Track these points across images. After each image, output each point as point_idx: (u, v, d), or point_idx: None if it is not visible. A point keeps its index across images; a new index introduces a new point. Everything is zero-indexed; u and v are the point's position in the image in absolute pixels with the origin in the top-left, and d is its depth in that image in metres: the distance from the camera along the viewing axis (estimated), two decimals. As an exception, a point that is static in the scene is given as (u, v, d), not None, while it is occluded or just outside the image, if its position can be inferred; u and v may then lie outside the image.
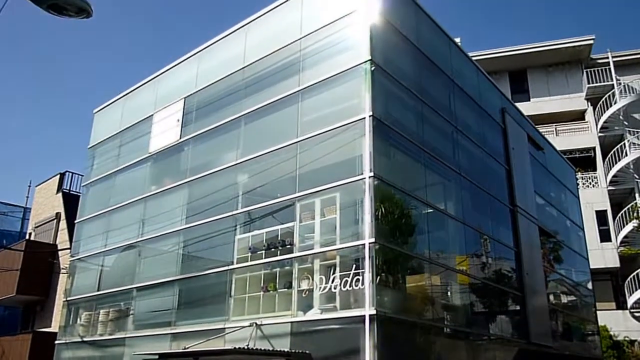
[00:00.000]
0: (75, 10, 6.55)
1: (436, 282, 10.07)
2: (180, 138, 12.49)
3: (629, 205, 25.57)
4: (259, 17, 11.60)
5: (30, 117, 72.08)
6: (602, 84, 27.89)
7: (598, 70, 28.18)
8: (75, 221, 15.31)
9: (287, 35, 10.70)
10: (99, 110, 16.05)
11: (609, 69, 27.85)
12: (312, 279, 8.74)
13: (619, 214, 25.72)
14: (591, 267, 18.43)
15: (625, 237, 25.23)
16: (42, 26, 76.31)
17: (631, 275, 24.64)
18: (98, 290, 13.35)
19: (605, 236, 25.64)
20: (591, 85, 28.06)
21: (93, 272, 13.92)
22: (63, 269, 19.02)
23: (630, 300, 24.43)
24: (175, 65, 13.54)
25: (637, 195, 25.76)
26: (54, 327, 17.92)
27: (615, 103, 26.93)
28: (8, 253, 20.94)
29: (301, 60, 10.35)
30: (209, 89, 12.29)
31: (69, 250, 16.88)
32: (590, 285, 18.09)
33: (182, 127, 12.57)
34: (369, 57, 9.03)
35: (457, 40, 14.58)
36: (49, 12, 6.52)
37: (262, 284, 9.52)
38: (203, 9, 76.94)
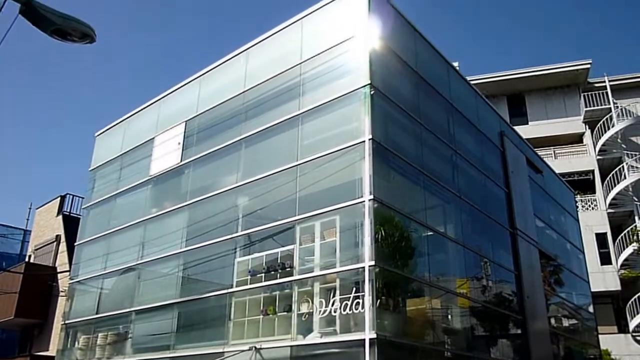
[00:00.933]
0: (79, 35, 6.65)
1: (437, 305, 10.03)
2: (181, 161, 12.56)
3: (629, 228, 25.55)
4: (260, 41, 11.75)
5: (32, 141, 72.33)
6: (600, 107, 28.10)
7: (595, 94, 28.41)
8: (75, 243, 15.30)
9: (288, 60, 10.84)
10: (100, 133, 16.16)
11: (606, 92, 28.07)
12: (312, 302, 8.71)
13: (619, 237, 25.69)
14: (592, 290, 18.35)
15: (626, 259, 25.16)
16: (43, 49, 77.07)
17: (633, 299, 24.50)
18: (97, 314, 13.28)
19: (605, 259, 25.56)
20: (589, 108, 28.26)
21: (92, 295, 13.87)
22: (62, 291, 18.93)
23: (632, 324, 24.26)
24: (177, 89, 13.67)
25: (636, 217, 25.77)
26: (52, 351, 17.76)
27: (612, 126, 27.10)
28: (7, 275, 20.86)
29: (301, 84, 10.46)
30: (209, 112, 12.39)
31: (68, 273, 16.82)
32: (591, 309, 18.00)
33: (182, 150, 12.64)
34: (369, 81, 9.12)
35: (456, 64, 14.75)
36: (53, 37, 6.63)
37: (261, 307, 9.48)
38: (205, 35, 77.79)
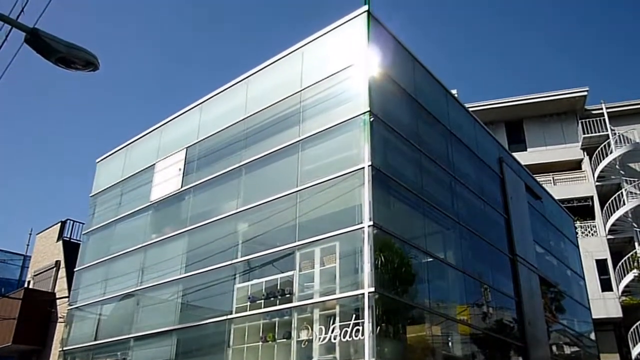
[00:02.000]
0: (83, 63, 6.80)
1: (437, 332, 9.99)
2: (182, 187, 12.62)
3: (629, 255, 25.48)
4: (261, 69, 11.92)
5: (33, 165, 72.55)
6: (598, 134, 28.26)
7: (593, 121, 28.59)
8: (75, 269, 15.26)
9: (288, 87, 10.98)
10: (101, 160, 16.26)
11: (604, 119, 28.26)
12: (312, 329, 8.68)
13: (620, 263, 25.59)
14: (593, 317, 18.23)
15: (627, 286, 25.01)
16: (43, 75, 77.78)
17: (634, 326, 24.30)
18: (95, 340, 13.19)
19: (606, 285, 25.41)
20: (586, 135, 28.41)
21: (91, 321, 13.79)
22: (61, 317, 18.80)
23: (635, 352, 23.99)
24: (178, 115, 13.81)
25: (636, 244, 25.72)
26: (49, 379, 17.56)
27: (610, 153, 27.24)
28: (6, 301, 20.72)
29: (301, 111, 10.58)
30: (210, 139, 12.50)
31: (67, 299, 16.74)
32: (593, 336, 17.86)
33: (183, 176, 12.72)
34: (368, 109, 9.24)
35: (454, 91, 14.93)
36: (57, 65, 6.77)
37: (261, 334, 9.45)
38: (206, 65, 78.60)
